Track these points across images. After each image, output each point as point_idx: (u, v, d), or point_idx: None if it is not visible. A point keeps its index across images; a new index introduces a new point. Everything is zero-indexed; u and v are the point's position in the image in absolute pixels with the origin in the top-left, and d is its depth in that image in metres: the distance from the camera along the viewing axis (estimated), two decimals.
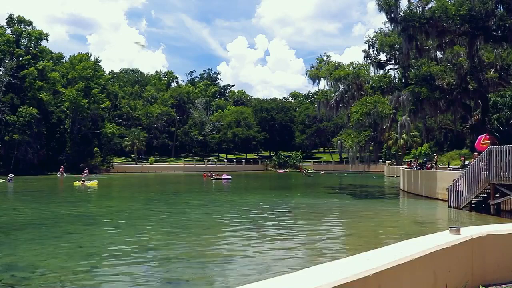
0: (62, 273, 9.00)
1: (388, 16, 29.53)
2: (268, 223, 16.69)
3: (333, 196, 30.58)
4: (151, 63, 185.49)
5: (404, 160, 69.30)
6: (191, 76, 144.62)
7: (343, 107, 37.02)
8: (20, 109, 62.96)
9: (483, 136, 19.18)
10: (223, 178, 53.02)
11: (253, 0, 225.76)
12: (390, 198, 30.67)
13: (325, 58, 38.31)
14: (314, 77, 36.97)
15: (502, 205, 18.19)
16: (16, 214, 19.58)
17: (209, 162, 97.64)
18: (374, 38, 35.00)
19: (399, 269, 3.07)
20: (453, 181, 20.51)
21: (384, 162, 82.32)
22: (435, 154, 41.22)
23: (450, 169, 26.71)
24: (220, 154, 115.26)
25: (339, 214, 20.20)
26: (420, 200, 25.87)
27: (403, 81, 33.32)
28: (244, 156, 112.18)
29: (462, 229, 4.22)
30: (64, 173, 61.20)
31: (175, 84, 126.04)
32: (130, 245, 12.08)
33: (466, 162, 24.79)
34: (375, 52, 35.49)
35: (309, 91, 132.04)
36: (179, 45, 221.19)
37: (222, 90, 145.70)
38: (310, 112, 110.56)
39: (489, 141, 19.17)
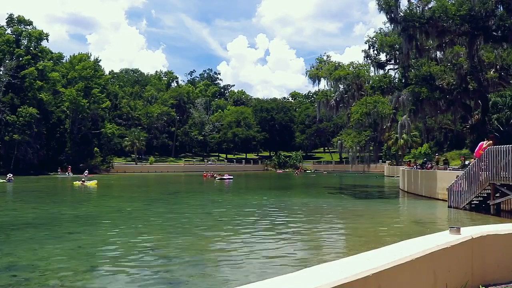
0: (62, 273, 9.01)
1: (388, 16, 29.56)
2: (268, 223, 16.69)
3: (333, 196, 30.58)
4: (151, 63, 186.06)
5: (404, 160, 69.32)
6: (191, 76, 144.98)
7: (343, 107, 37.02)
8: (20, 109, 62.99)
9: (483, 143, 19.07)
10: (226, 178, 53.16)
11: (254, 0, 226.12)
12: (390, 198, 30.65)
13: (325, 58, 38.34)
14: (314, 77, 36.96)
15: (502, 205, 18.18)
16: (16, 214, 19.58)
17: (209, 162, 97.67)
18: (374, 38, 35.02)
19: (399, 269, 3.07)
20: (457, 177, 20.47)
21: (384, 162, 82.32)
22: (436, 154, 41.10)
23: (450, 169, 26.70)
24: (220, 154, 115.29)
25: (339, 214, 20.19)
26: (420, 200, 25.86)
27: (403, 81, 33.33)
28: (244, 156, 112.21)
29: (462, 229, 4.22)
30: (71, 173, 61.43)
31: (175, 84, 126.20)
32: (130, 245, 12.08)
33: (466, 162, 24.80)
34: (375, 52, 35.54)
35: (309, 91, 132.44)
36: (179, 45, 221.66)
37: (222, 90, 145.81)
38: (310, 112, 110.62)
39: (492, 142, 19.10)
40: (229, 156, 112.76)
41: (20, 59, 66.28)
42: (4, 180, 45.79)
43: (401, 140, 61.71)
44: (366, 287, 2.71)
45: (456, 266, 3.94)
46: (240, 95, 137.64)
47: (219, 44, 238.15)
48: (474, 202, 19.04)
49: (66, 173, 62.14)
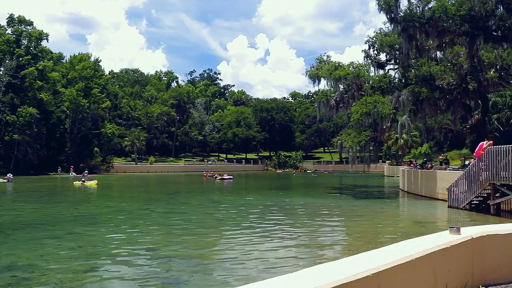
0: (62, 273, 9.00)
1: (388, 16, 29.54)
2: (267, 223, 16.68)
3: (333, 196, 30.58)
4: (151, 63, 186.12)
5: (404, 160, 69.29)
6: (191, 76, 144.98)
7: (343, 107, 36.99)
8: (20, 109, 62.98)
9: (484, 143, 19.05)
10: (226, 178, 53.24)
11: (254, 0, 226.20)
12: (390, 198, 30.66)
13: (325, 58, 38.29)
14: (314, 77, 36.92)
15: (502, 205, 18.17)
16: (16, 214, 19.58)
17: (209, 162, 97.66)
18: (374, 38, 35.01)
19: (399, 269, 3.07)
20: (456, 180, 20.46)
21: (384, 162, 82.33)
22: (441, 155, 40.89)
23: (450, 169, 26.71)
24: (220, 154, 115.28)
25: (339, 214, 20.19)
26: (420, 200, 25.86)
27: (403, 81, 33.31)
28: (244, 156, 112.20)
29: (462, 229, 4.22)
30: (73, 173, 61.57)
31: (175, 84, 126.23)
32: (130, 245, 12.09)
33: (466, 162, 24.79)
34: (375, 52, 35.52)
35: (309, 91, 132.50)
36: (179, 45, 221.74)
37: (222, 90, 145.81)
38: (310, 112, 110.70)
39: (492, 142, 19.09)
40: (229, 156, 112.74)
41: (20, 59, 66.25)
42: (4, 180, 45.77)
43: (401, 140, 61.69)
44: (366, 287, 2.71)
45: (456, 266, 3.94)
46: (240, 95, 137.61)
47: (219, 44, 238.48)
48: (474, 202, 19.03)
49: (70, 173, 62.30)
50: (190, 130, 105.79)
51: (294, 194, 33.59)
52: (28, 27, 70.42)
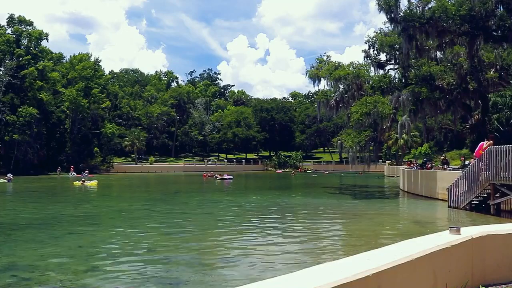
0: (62, 273, 9.00)
1: (388, 16, 29.57)
2: (268, 223, 16.68)
3: (333, 196, 30.57)
4: (151, 63, 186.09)
5: (404, 160, 69.29)
6: (191, 76, 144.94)
7: (343, 107, 37.00)
8: (20, 109, 62.99)
9: (484, 143, 19.02)
10: (226, 178, 53.28)
11: (254, 0, 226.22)
12: (390, 198, 30.66)
13: (325, 58, 38.30)
14: (314, 77, 36.93)
15: (502, 205, 18.17)
16: (16, 214, 19.58)
17: (209, 162, 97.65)
18: (374, 38, 35.02)
19: (399, 269, 3.07)
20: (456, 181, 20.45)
21: (384, 162, 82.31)
22: (443, 155, 40.83)
23: (450, 169, 26.70)
24: (220, 154, 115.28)
25: (339, 214, 20.19)
26: (420, 200, 25.86)
27: (403, 81, 33.32)
28: (244, 156, 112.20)
29: (462, 229, 4.21)
30: (74, 173, 61.58)
31: (175, 84, 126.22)
32: (130, 245, 12.08)
33: (466, 162, 24.79)
34: (375, 52, 35.54)
35: (309, 91, 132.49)
36: (179, 45, 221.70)
37: (222, 90, 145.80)
38: (310, 112, 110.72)
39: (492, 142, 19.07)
40: (229, 156, 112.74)
41: (20, 59, 66.23)
42: (4, 180, 45.77)
43: (401, 140, 61.69)
44: (366, 287, 2.71)
45: (456, 266, 3.94)
46: (240, 95, 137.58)
47: (219, 44, 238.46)
48: (474, 202, 19.03)
49: (70, 173, 62.33)
50: (190, 130, 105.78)
51: (294, 194, 33.57)
52: (28, 27, 70.40)
